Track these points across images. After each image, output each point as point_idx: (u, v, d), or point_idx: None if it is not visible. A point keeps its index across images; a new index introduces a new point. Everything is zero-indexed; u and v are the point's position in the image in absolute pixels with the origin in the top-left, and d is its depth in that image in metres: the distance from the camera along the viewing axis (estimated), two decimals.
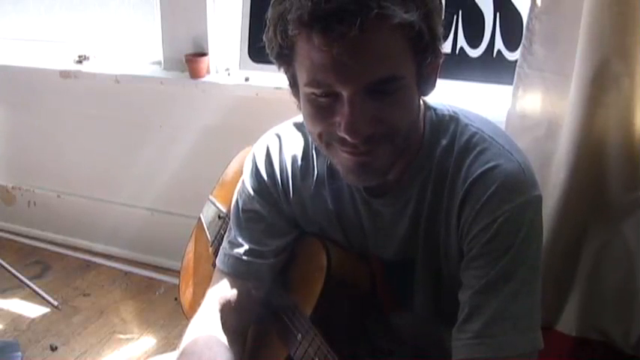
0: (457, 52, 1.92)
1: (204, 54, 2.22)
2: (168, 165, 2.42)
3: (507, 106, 1.67)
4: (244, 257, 1.14)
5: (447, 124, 1.01)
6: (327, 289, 1.08)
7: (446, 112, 1.03)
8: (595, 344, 1.61)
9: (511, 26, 1.82)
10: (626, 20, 1.42)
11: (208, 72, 2.24)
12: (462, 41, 1.91)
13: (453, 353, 0.96)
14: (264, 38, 0.95)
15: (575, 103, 1.51)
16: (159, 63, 2.36)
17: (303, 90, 0.93)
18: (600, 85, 1.46)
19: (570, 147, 1.53)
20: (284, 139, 1.13)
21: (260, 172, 1.13)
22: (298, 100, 0.98)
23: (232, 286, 1.15)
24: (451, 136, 1.00)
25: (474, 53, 1.90)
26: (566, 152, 1.54)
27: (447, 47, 1.93)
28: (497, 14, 1.84)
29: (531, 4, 1.57)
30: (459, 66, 1.91)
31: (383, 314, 1.12)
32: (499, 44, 1.86)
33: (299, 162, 1.11)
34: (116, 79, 2.36)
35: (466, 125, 1.01)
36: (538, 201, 0.97)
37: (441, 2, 0.96)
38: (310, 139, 1.09)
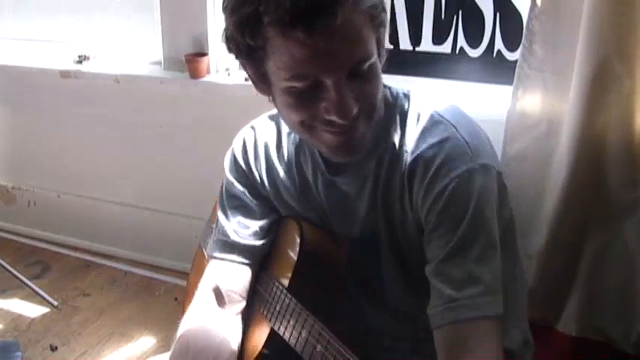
0: (457, 52, 1.92)
1: (204, 54, 2.22)
2: (168, 165, 2.42)
3: (507, 106, 1.67)
4: (228, 239, 1.21)
5: (401, 101, 1.06)
6: (302, 264, 1.13)
7: (400, 91, 1.08)
8: (595, 344, 1.61)
9: (511, 26, 1.82)
10: (626, 20, 1.42)
11: (208, 72, 2.24)
12: (462, 41, 1.91)
13: (434, 326, 0.96)
14: (224, 43, 0.98)
15: (575, 103, 1.51)
16: (159, 63, 2.35)
17: (281, 85, 0.96)
18: (600, 85, 1.46)
19: (570, 147, 1.53)
20: (258, 130, 1.21)
21: (238, 161, 1.21)
22: (269, 94, 1.01)
23: (219, 269, 1.22)
24: (404, 113, 1.05)
25: (474, 53, 1.90)
26: (566, 152, 1.55)
27: (447, 47, 1.94)
28: (497, 14, 1.84)
29: (531, 4, 1.57)
30: (459, 66, 1.91)
31: (362, 290, 1.15)
32: (499, 44, 1.86)
33: (271, 149, 1.18)
34: (116, 79, 2.36)
35: (417, 103, 1.06)
36: (487, 170, 0.99)
37: None
38: (282, 128, 1.17)
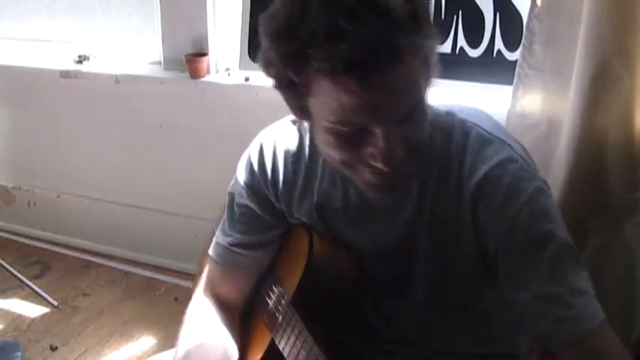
0: (457, 52, 1.92)
1: (204, 54, 2.22)
2: (168, 165, 2.42)
3: (507, 106, 1.67)
4: (232, 248, 1.18)
5: (443, 120, 1.01)
6: (309, 273, 1.11)
7: (442, 109, 1.03)
8: None
9: (511, 26, 1.82)
10: (626, 20, 1.42)
11: (208, 72, 2.24)
12: (462, 41, 1.91)
13: (563, 352, 0.93)
14: (260, 64, 0.92)
15: (575, 103, 1.51)
16: (159, 63, 2.35)
17: (323, 123, 0.90)
18: (600, 85, 1.46)
19: (570, 147, 1.53)
20: (278, 137, 1.13)
21: (253, 169, 1.14)
22: (308, 122, 0.97)
23: (221, 273, 1.21)
24: (450, 132, 1.00)
25: (474, 53, 1.90)
26: (566, 152, 1.55)
27: (447, 47, 1.94)
28: (497, 14, 1.84)
29: (531, 4, 1.57)
30: (459, 66, 1.91)
31: (375, 301, 1.13)
32: (499, 44, 1.86)
33: (291, 159, 1.12)
34: (116, 79, 2.36)
35: (462, 121, 1.01)
36: (546, 184, 1.00)
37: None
38: (304, 135, 1.09)
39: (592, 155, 1.52)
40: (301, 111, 0.94)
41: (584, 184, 1.54)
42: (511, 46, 1.83)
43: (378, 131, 0.87)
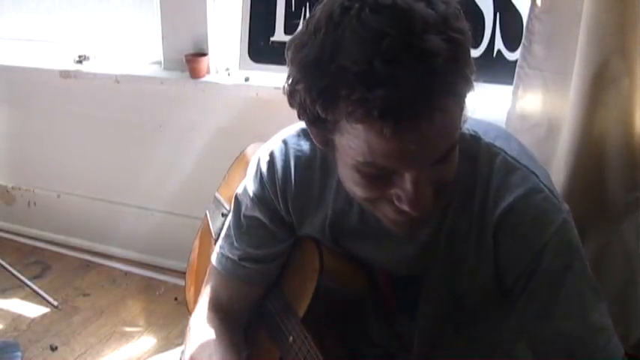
0: None
1: (204, 54, 2.22)
2: (167, 165, 2.42)
3: (507, 106, 1.67)
4: (241, 262, 1.14)
5: (468, 144, 0.95)
6: (320, 290, 1.07)
7: (466, 132, 0.96)
8: None
9: (511, 26, 1.82)
10: (626, 20, 1.42)
11: (208, 72, 2.24)
12: None
13: None
14: (284, 92, 0.86)
15: (575, 102, 1.51)
16: (159, 63, 2.36)
17: (349, 161, 0.85)
18: (600, 84, 1.46)
19: (570, 147, 1.53)
20: (290, 147, 1.07)
21: (263, 180, 1.08)
22: (331, 154, 0.90)
23: (227, 286, 1.17)
24: (474, 158, 0.96)
25: (474, 53, 1.88)
26: (566, 152, 1.55)
27: None
28: (497, 14, 1.84)
29: (531, 4, 1.57)
30: None
31: (385, 318, 1.11)
32: (499, 44, 1.85)
33: (303, 172, 1.06)
34: (116, 79, 2.36)
35: (488, 146, 0.97)
36: (569, 213, 0.96)
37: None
38: (317, 149, 1.02)
39: (592, 155, 1.52)
40: (325, 144, 0.89)
41: (584, 184, 1.54)
42: (511, 46, 1.83)
43: (407, 175, 0.82)
